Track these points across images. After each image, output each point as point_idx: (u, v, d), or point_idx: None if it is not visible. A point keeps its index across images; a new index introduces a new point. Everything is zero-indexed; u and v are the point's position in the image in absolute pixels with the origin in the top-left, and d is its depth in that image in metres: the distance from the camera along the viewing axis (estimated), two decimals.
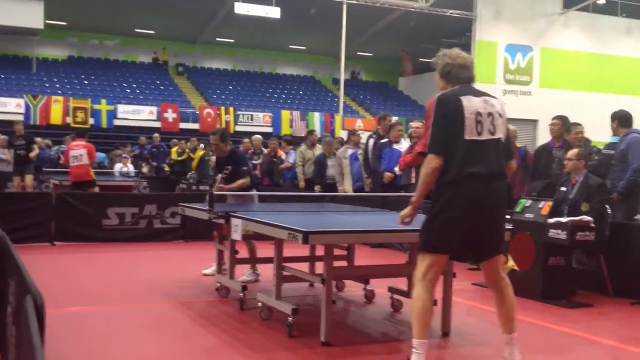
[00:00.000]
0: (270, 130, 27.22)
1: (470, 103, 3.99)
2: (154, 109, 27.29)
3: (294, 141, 14.98)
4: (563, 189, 6.93)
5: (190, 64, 35.14)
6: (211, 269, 7.22)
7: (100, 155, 17.10)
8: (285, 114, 28.96)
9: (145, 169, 17.94)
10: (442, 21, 30.77)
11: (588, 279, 6.71)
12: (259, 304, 5.51)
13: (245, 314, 5.70)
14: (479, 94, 4.09)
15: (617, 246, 6.59)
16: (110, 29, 33.02)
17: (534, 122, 29.27)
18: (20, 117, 22.85)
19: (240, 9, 28.10)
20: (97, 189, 11.62)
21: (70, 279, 7.27)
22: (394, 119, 11.78)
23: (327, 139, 12.87)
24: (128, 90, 30.21)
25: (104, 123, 25.78)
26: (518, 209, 6.89)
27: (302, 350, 4.67)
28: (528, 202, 6.92)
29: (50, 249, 9.37)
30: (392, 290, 5.96)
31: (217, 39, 34.85)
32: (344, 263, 6.41)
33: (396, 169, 9.75)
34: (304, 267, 6.41)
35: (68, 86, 29.00)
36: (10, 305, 3.27)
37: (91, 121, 25.57)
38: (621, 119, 7.54)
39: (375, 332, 5.42)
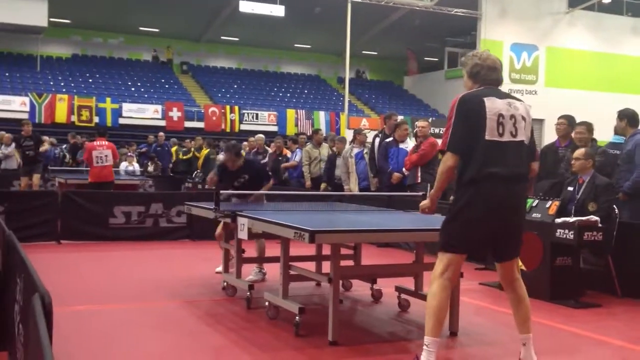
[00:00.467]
0: (275, 129, 27.24)
1: (493, 104, 3.98)
2: (159, 107, 27.33)
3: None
4: (570, 188, 6.89)
5: (194, 63, 35.17)
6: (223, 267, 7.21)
7: None
8: (290, 112, 28.96)
9: (150, 168, 17.96)
10: (447, 20, 30.74)
11: (596, 279, 6.67)
12: (266, 303, 5.50)
13: (252, 313, 5.69)
14: (503, 95, 4.09)
15: (625, 246, 6.55)
16: (114, 27, 33.08)
17: (539, 122, 29.22)
18: (25, 116, 22.87)
19: (244, 7, 28.13)
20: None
21: (76, 277, 7.26)
22: (400, 118, 11.77)
23: (333, 136, 12.97)
24: (133, 89, 30.26)
25: (109, 121, 25.80)
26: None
27: (309, 349, 4.65)
28: (535, 202, 6.88)
29: (56, 247, 9.37)
30: (399, 289, 5.94)
31: (222, 37, 34.89)
32: (350, 262, 6.39)
33: (404, 169, 9.77)
34: (310, 266, 6.39)
35: (72, 84, 29.06)
36: (18, 303, 3.26)
37: (96, 119, 25.61)
38: (630, 118, 7.50)
39: (382, 331, 5.39)
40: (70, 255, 8.90)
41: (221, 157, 14.23)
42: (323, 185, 11.97)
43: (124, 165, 16.03)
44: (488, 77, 4.14)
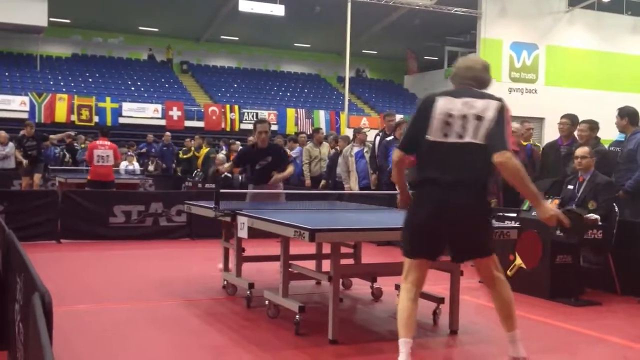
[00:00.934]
0: (275, 128, 27.21)
1: (445, 104, 3.85)
2: (159, 106, 27.32)
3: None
4: (570, 187, 6.89)
5: (194, 62, 35.15)
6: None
7: None
8: (290, 111, 28.94)
9: (151, 167, 17.97)
10: (447, 19, 30.72)
11: (596, 277, 6.68)
12: (266, 302, 5.50)
13: (252, 312, 5.69)
14: (469, 94, 3.88)
15: (625, 244, 6.55)
16: (114, 27, 33.07)
17: (540, 120, 29.20)
18: (25, 115, 22.88)
19: (244, 6, 28.10)
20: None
21: (76, 276, 7.26)
22: (400, 117, 11.79)
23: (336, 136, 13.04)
24: (133, 88, 30.25)
25: (109, 121, 25.77)
26: (525, 207, 6.84)
27: (310, 348, 4.65)
28: None
29: (57, 246, 9.38)
30: (399, 288, 5.92)
31: (222, 36, 34.88)
32: (350, 261, 6.39)
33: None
34: (310, 264, 6.39)
35: (72, 84, 29.05)
36: (18, 302, 3.26)
37: (96, 119, 25.60)
38: (631, 116, 7.49)
39: (382, 330, 5.39)
40: (70, 254, 8.90)
41: (221, 156, 14.24)
42: (323, 183, 12.01)
43: (124, 165, 16.03)
44: (465, 76, 4.04)
